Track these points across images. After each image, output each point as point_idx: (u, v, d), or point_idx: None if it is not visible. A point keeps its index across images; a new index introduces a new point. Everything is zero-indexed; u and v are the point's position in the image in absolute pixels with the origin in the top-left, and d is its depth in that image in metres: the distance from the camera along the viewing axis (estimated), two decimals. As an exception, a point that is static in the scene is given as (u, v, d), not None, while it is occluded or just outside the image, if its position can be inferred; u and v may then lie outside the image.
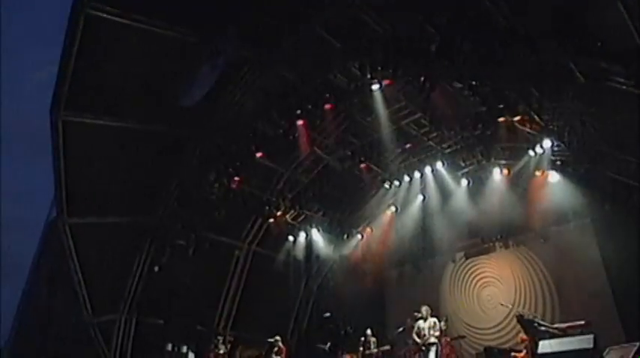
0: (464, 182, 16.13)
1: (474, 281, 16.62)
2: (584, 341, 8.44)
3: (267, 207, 17.14)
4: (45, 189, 20.89)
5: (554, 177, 14.01)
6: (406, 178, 16.53)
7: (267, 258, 19.04)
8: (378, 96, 13.24)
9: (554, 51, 8.71)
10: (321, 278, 20.37)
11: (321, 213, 18.36)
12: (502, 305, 11.35)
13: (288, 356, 14.69)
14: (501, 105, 11.75)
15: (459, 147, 15.27)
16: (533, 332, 9.77)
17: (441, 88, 11.87)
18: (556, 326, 10.38)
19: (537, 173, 14.25)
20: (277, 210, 17.24)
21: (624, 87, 9.36)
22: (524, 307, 14.96)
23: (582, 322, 10.18)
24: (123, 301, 16.42)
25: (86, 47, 13.01)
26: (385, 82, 12.56)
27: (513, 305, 15.06)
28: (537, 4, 9.40)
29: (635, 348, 9.01)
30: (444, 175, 16.06)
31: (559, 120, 12.12)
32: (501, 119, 12.40)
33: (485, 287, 16.29)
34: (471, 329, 15.71)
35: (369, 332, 13.73)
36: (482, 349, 13.52)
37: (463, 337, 14.52)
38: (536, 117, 12.04)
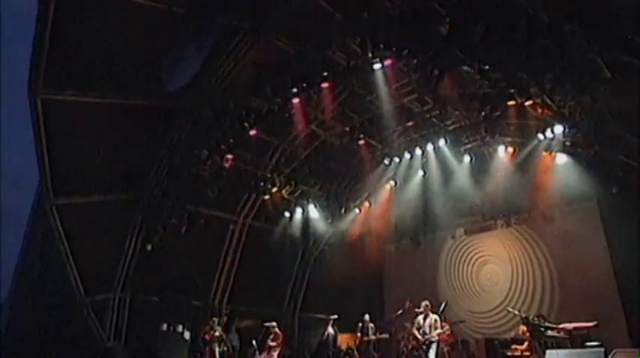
0: (466, 158, 15.41)
1: (474, 259, 16.29)
2: (593, 355, 8.07)
3: (262, 184, 16.47)
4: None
5: (561, 158, 13.32)
6: (407, 155, 15.80)
7: (263, 231, 18.56)
8: (379, 75, 12.30)
9: (579, 43, 7.83)
10: (317, 252, 20.01)
11: (317, 188, 17.73)
12: (508, 310, 10.96)
13: (285, 341, 14.40)
14: (512, 90, 10.88)
15: (463, 124, 14.48)
16: (538, 336, 9.43)
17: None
18: (562, 326, 10.03)
19: (545, 153, 13.55)
20: (273, 186, 16.58)
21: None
22: (522, 287, 14.78)
23: (590, 324, 9.84)
24: (116, 280, 16.02)
25: (63, 18, 11.98)
26: (387, 62, 11.58)
27: (512, 282, 14.91)
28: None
29: (645, 356, 8.67)
30: (446, 152, 15.33)
31: (571, 102, 11.33)
32: (511, 102, 11.55)
33: (484, 264, 15.98)
34: (471, 314, 15.47)
35: (367, 317, 13.41)
36: (481, 336, 13.32)
37: (463, 321, 14.27)
38: (548, 100, 11.20)
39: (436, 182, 16.60)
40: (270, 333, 13.95)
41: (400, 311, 14.39)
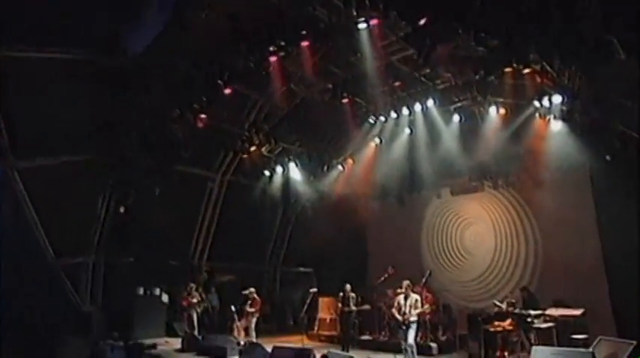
0: (455, 118, 14.45)
1: (459, 220, 15.80)
2: (581, 357, 7.70)
3: (239, 142, 15.50)
4: None
5: (556, 124, 12.49)
6: (393, 114, 14.80)
7: (242, 188, 17.83)
8: (364, 34, 11.11)
9: (593, 21, 6.81)
10: (299, 209, 19.42)
11: (298, 145, 16.80)
12: (495, 304, 10.53)
13: (262, 308, 14.06)
14: (511, 57, 9.85)
15: (453, 84, 13.45)
16: (525, 327, 9.06)
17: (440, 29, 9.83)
18: (548, 313, 9.67)
19: (539, 118, 12.70)
20: (251, 145, 15.62)
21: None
22: (506, 252, 14.43)
23: (577, 312, 9.47)
24: (89, 244, 15.36)
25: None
26: (373, 22, 10.38)
27: (496, 246, 14.56)
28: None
29: (631, 348, 8.35)
30: (435, 111, 14.38)
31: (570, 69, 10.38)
32: (508, 69, 10.54)
33: (469, 226, 15.51)
34: (455, 283, 15.16)
35: (348, 287, 12.99)
36: (465, 304, 13.07)
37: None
38: (548, 68, 10.22)
39: (423, 141, 15.76)
40: (249, 300, 13.59)
41: (382, 278, 14.06)
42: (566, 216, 13.13)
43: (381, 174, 16.94)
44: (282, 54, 11.89)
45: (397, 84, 13.63)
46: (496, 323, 11.04)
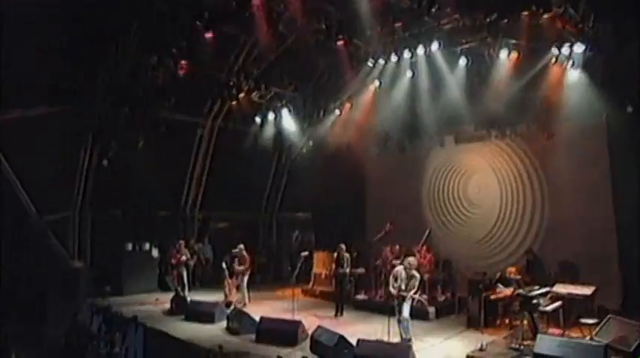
0: (462, 61, 12.95)
1: (462, 170, 14.69)
2: (591, 351, 6.95)
3: (227, 89, 14.18)
4: None
5: (574, 73, 11.12)
6: (393, 57, 13.31)
7: (234, 134, 16.70)
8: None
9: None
10: (295, 155, 18.36)
11: (292, 89, 15.43)
12: (499, 287, 9.66)
13: (252, 265, 13.42)
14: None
15: (460, 25, 11.86)
16: (530, 308, 8.27)
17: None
18: (556, 290, 8.86)
19: (555, 65, 11.29)
20: (239, 91, 14.30)
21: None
22: (512, 206, 13.46)
23: (587, 291, 8.64)
24: (74, 198, 14.55)
25: None
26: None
27: (501, 202, 13.61)
28: None
29: (645, 331, 7.61)
30: (439, 53, 12.89)
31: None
32: (526, 13, 9.06)
33: (474, 177, 14.42)
34: (457, 240, 14.31)
35: (342, 247, 12.20)
36: (467, 266, 12.35)
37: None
38: (572, 11, 8.75)
39: (426, 84, 14.34)
40: (237, 258, 12.93)
41: (380, 235, 13.30)
42: (577, 172, 12.02)
43: (381, 119, 15.68)
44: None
45: (398, 24, 12.06)
46: (498, 290, 10.38)
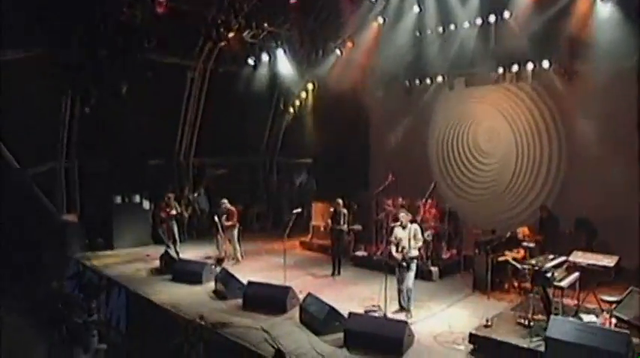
0: (476, -5, 11.44)
1: (473, 116, 13.31)
2: (614, 338, 5.96)
3: (214, 29, 12.68)
4: None
5: (604, 7, 9.53)
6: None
7: (228, 77, 15.35)
8: None
9: None
10: (293, 99, 16.98)
11: (286, 27, 13.86)
12: (509, 262, 8.46)
13: (241, 217, 12.51)
14: None
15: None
16: (542, 282, 7.19)
17: None
18: (573, 260, 7.73)
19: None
20: (229, 30, 12.81)
21: None
22: (523, 156, 12.20)
23: (610, 262, 7.50)
24: (58, 148, 13.53)
25: None
26: None
27: (515, 150, 12.33)
28: None
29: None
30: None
31: None
32: None
33: (485, 124, 13.05)
34: (465, 192, 13.20)
35: (340, 201, 11.14)
36: (475, 225, 11.28)
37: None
38: None
39: (434, 21, 12.88)
40: (223, 213, 12.02)
41: (381, 187, 12.22)
42: (602, 122, 10.62)
43: (385, 59, 14.23)
44: None
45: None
46: (507, 252, 9.37)
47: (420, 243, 8.45)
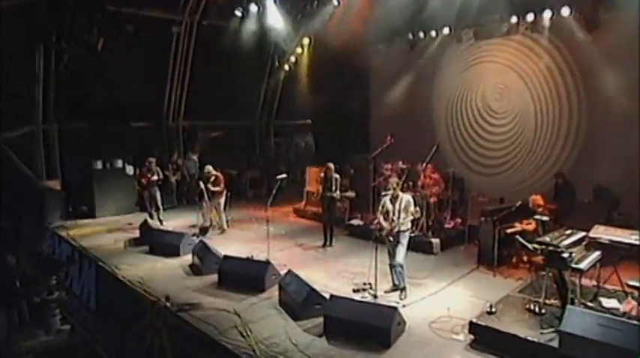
0: None
1: (483, 72, 11.86)
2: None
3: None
4: None
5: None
6: None
7: (216, 32, 13.97)
8: None
9: None
10: (287, 55, 15.56)
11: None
12: (520, 243, 7.19)
13: (228, 184, 11.40)
14: None
15: None
16: (558, 264, 5.94)
17: None
18: (593, 236, 6.43)
19: None
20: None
21: None
22: (537, 117, 10.79)
23: (638, 240, 6.24)
24: (35, 110, 12.41)
25: None
26: None
27: (529, 111, 10.92)
28: None
29: None
30: None
31: None
32: None
33: (494, 80, 11.59)
34: (472, 158, 11.85)
35: (331, 166, 9.91)
36: (481, 191, 10.06)
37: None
38: None
39: (440, -36, 11.29)
40: (209, 178, 10.93)
41: (379, 150, 11.02)
42: (627, 75, 9.16)
43: (387, 10, 12.53)
44: None
45: None
46: (516, 224, 8.19)
47: (412, 217, 7.28)
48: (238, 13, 13.14)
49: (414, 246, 9.31)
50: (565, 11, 9.95)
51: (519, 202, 8.54)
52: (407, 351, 5.62)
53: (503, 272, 8.18)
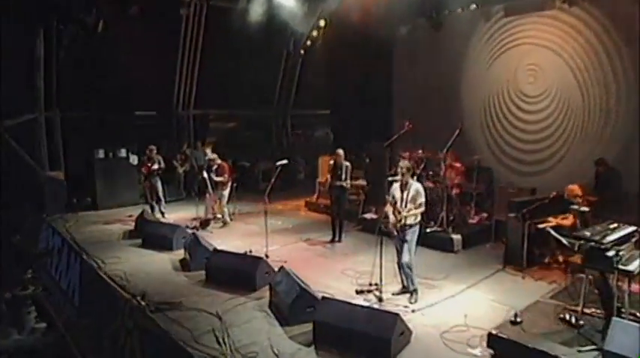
0: None
1: (515, 52, 10.56)
2: None
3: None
4: None
5: None
6: None
7: (227, 14, 13.15)
8: None
9: None
10: (305, 40, 14.66)
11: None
12: (549, 231, 6.08)
13: (232, 173, 10.63)
14: None
15: None
16: (603, 266, 4.83)
17: None
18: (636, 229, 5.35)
19: None
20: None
21: None
22: (576, 99, 9.47)
23: None
24: (36, 97, 11.89)
25: None
26: None
27: (566, 94, 9.66)
28: None
29: None
30: None
31: None
32: None
33: (527, 60, 10.31)
34: (501, 146, 10.62)
35: (340, 152, 8.95)
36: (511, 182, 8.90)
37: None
38: None
39: None
40: (212, 165, 10.17)
41: (396, 136, 10.01)
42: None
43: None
44: None
45: None
46: (550, 218, 7.05)
47: (420, 210, 6.25)
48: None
49: (432, 243, 8.39)
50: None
51: (554, 193, 7.42)
52: (409, 367, 4.66)
53: (534, 274, 7.07)
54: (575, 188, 7.02)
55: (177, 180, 13.10)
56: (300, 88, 15.99)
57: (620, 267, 4.55)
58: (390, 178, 6.44)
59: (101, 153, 11.94)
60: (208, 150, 13.52)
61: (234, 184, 10.66)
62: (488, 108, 11.00)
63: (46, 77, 11.78)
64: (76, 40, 11.37)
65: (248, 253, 7.59)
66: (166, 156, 13.33)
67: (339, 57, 13.84)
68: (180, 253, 8.23)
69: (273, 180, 8.33)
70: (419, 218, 6.33)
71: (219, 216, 10.45)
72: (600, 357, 4.08)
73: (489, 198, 9.77)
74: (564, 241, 5.29)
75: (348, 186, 8.91)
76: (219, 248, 7.65)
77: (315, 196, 12.01)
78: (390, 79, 13.44)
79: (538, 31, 10.10)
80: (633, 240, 5.02)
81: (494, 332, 4.70)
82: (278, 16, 12.93)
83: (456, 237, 8.38)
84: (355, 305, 5.30)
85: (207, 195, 10.52)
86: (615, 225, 5.14)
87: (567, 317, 4.89)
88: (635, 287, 5.36)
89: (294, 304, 5.49)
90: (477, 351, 4.83)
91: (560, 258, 7.23)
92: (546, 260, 7.36)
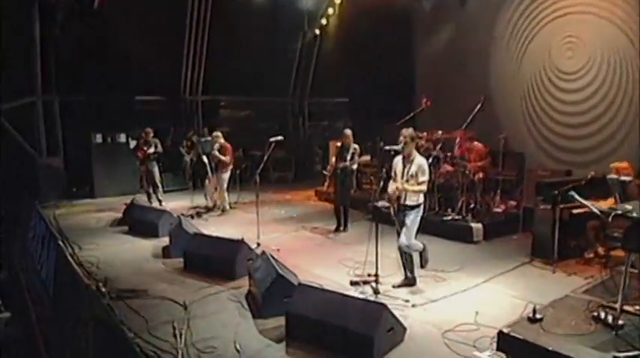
0: None
1: (549, 25, 9.38)
2: None
3: None
4: None
5: None
6: None
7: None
8: None
9: None
10: (320, 24, 13.92)
11: None
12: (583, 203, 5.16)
13: (234, 156, 9.95)
14: None
15: None
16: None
17: None
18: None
19: None
20: None
21: None
22: (618, 74, 8.33)
23: None
24: (33, 80, 11.54)
25: None
26: None
27: (608, 68, 8.53)
28: None
29: None
30: None
31: None
32: None
33: (564, 34, 9.04)
34: (532, 127, 9.53)
35: (348, 131, 8.14)
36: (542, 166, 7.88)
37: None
38: None
39: None
40: (215, 143, 9.57)
41: (411, 114, 9.19)
42: None
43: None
44: None
45: None
46: (587, 202, 6.04)
47: (420, 188, 5.38)
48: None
49: (448, 232, 7.51)
50: None
51: (591, 173, 6.41)
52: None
53: (567, 268, 6.08)
54: (620, 165, 6.02)
55: (183, 169, 12.54)
56: (316, 75, 15.24)
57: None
58: (387, 147, 5.61)
59: (99, 138, 11.50)
60: (218, 134, 13.07)
61: (237, 171, 10.03)
62: (520, 85, 9.94)
63: (43, 58, 11.44)
64: (72, 16, 10.96)
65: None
66: (172, 143, 12.95)
67: (355, 37, 13.05)
68: (165, 240, 7.60)
69: (265, 157, 7.59)
70: (421, 199, 5.48)
71: (218, 202, 9.83)
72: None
73: (519, 185, 8.75)
74: (596, 211, 4.31)
75: (353, 166, 8.09)
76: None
77: (326, 184, 11.18)
78: (411, 61, 12.52)
79: (577, 2, 9.00)
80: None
81: (505, 330, 3.79)
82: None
83: (476, 225, 7.43)
84: (335, 293, 4.48)
85: (207, 181, 9.93)
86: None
87: (603, 315, 3.92)
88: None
89: (269, 292, 4.72)
90: (484, 354, 3.93)
91: (602, 251, 6.22)
92: (586, 254, 6.34)
